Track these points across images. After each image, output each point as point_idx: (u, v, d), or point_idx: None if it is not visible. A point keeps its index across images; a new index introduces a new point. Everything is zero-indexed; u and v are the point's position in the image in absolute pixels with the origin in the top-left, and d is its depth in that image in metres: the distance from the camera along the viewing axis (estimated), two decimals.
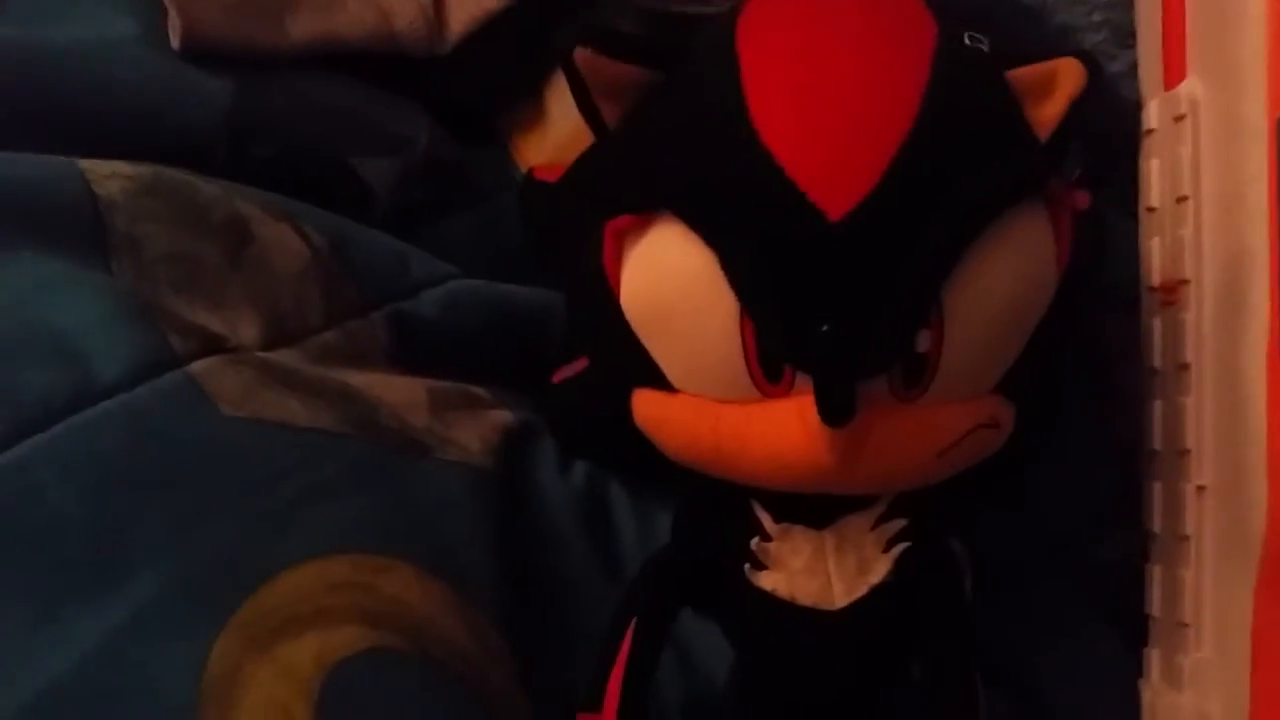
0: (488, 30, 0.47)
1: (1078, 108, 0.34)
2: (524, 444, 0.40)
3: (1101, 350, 0.44)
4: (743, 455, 0.33)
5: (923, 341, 0.31)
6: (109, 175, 0.36)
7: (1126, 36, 0.43)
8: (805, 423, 0.31)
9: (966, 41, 0.34)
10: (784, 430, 0.32)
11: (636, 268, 0.34)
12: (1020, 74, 0.34)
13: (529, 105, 0.49)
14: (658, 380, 0.34)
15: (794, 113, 0.31)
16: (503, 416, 0.40)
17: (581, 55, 0.34)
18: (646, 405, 0.35)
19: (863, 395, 0.31)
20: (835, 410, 0.30)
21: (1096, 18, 0.43)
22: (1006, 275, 0.32)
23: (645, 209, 0.33)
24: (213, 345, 0.35)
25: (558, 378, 0.42)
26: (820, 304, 0.30)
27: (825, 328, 0.30)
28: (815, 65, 0.32)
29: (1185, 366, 0.39)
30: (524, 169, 0.49)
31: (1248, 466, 0.37)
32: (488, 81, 0.48)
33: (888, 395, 0.32)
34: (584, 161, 0.38)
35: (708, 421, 0.34)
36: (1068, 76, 0.33)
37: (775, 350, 0.32)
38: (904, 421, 0.32)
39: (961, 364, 0.32)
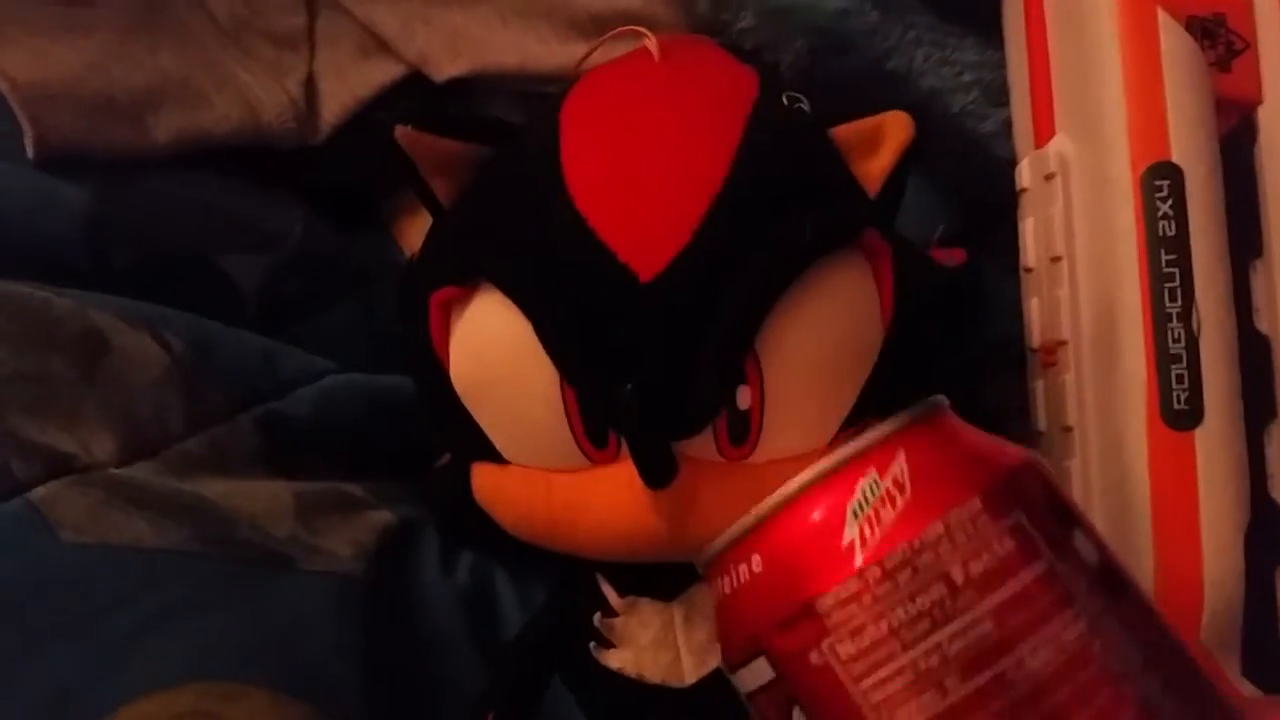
0: (361, 118, 0.47)
1: (907, 160, 0.33)
2: (402, 544, 0.39)
3: (991, 409, 0.43)
4: (576, 525, 0.33)
5: (743, 398, 0.31)
6: None
7: (998, 95, 0.43)
8: (632, 488, 0.31)
9: (785, 101, 0.34)
10: (613, 497, 0.32)
11: (461, 340, 0.34)
12: (844, 130, 0.34)
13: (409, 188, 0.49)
14: (491, 453, 0.34)
15: (606, 176, 0.32)
16: (380, 517, 0.39)
17: (402, 133, 0.34)
18: (482, 479, 0.35)
19: (689, 456, 0.31)
20: (654, 473, 0.30)
21: (967, 78, 0.43)
22: (823, 327, 0.31)
23: (466, 280, 0.33)
24: (60, 467, 0.34)
25: (439, 464, 0.42)
26: (633, 365, 0.30)
27: (629, 387, 0.29)
28: (629, 130, 0.33)
29: (1069, 429, 0.38)
30: (408, 253, 0.48)
31: (1135, 533, 0.36)
32: (364, 168, 0.47)
33: (716, 455, 0.31)
34: (425, 238, 0.38)
35: (540, 492, 0.33)
36: (894, 130, 0.33)
37: (593, 414, 0.31)
38: (734, 481, 0.32)
39: (787, 419, 0.32)
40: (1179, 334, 0.36)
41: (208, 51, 0.46)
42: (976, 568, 0.24)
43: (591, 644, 0.34)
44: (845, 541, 0.24)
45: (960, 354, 0.39)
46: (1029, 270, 0.41)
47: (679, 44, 0.37)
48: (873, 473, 0.25)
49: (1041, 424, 0.40)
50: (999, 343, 0.42)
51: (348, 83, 0.47)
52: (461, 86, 0.46)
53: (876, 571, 0.24)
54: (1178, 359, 0.36)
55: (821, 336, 0.31)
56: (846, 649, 0.24)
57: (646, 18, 0.44)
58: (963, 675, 0.23)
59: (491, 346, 0.32)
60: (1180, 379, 0.36)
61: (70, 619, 0.31)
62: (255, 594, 0.34)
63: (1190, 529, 0.35)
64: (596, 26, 0.44)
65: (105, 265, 0.40)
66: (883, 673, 0.23)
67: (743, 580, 0.26)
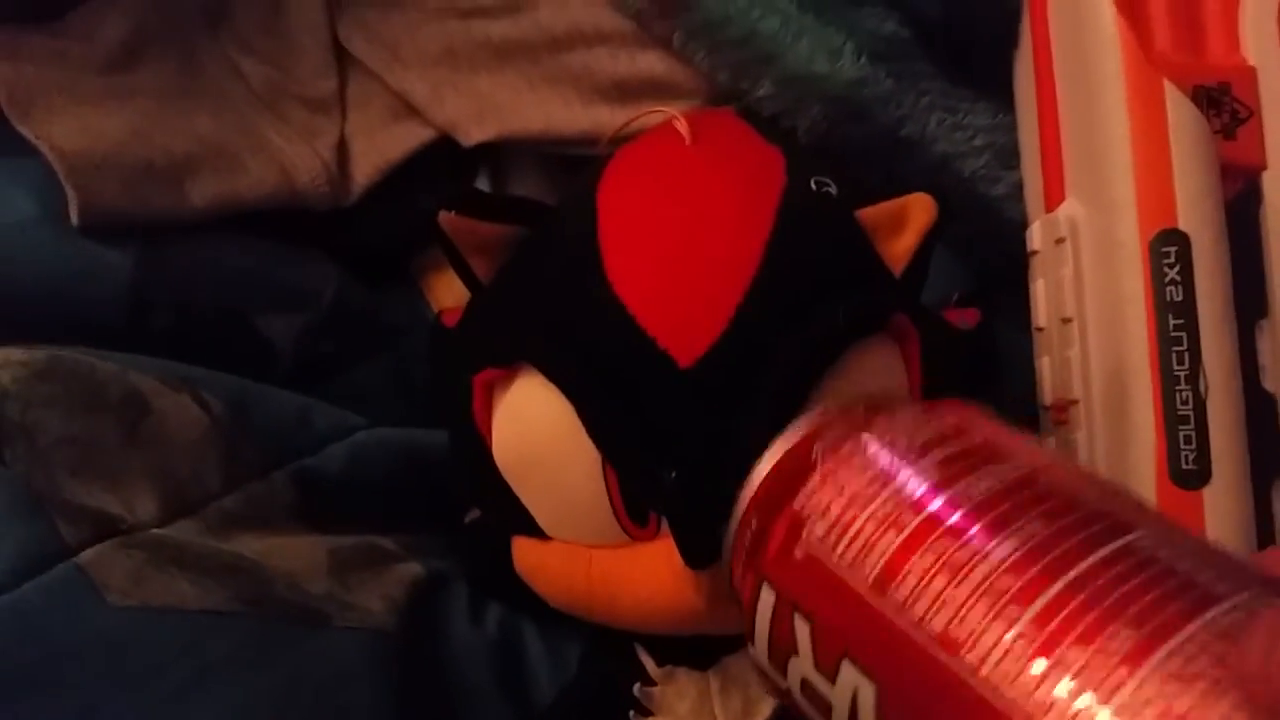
0: (391, 179, 0.48)
1: (931, 240, 0.35)
2: (432, 597, 0.40)
3: None
4: (616, 600, 0.34)
5: None
6: (1, 364, 0.37)
7: (1010, 158, 0.44)
8: (672, 566, 0.32)
9: (813, 187, 0.35)
10: (653, 574, 0.33)
11: (504, 419, 0.35)
12: (870, 212, 0.35)
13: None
14: (532, 528, 0.35)
15: (644, 264, 0.33)
16: (410, 570, 0.40)
17: (445, 219, 0.35)
18: (523, 553, 0.36)
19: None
20: (695, 554, 0.31)
21: (979, 142, 0.44)
22: None
23: (508, 362, 0.34)
24: (106, 529, 0.35)
25: (468, 519, 0.43)
26: (674, 448, 0.31)
27: (673, 474, 0.31)
28: (666, 218, 0.34)
29: None
30: (436, 309, 0.50)
31: None
32: (395, 228, 0.48)
33: None
34: (464, 314, 0.39)
35: (580, 567, 0.34)
36: (918, 211, 0.35)
37: (635, 495, 0.32)
38: None
39: None
40: (1187, 396, 0.37)
41: (242, 116, 0.48)
42: (919, 438, 0.26)
43: (630, 712, 0.35)
44: (811, 457, 0.27)
45: None
46: (1040, 330, 0.42)
47: (707, 123, 0.38)
48: (837, 424, 0.28)
49: None
50: (1012, 399, 0.43)
51: (378, 145, 0.48)
52: (488, 149, 0.48)
53: (833, 461, 0.26)
54: (1185, 420, 0.37)
55: None
56: (819, 529, 0.25)
57: (669, 84, 0.45)
58: (915, 510, 0.24)
59: (534, 427, 0.33)
60: (1188, 440, 0.37)
61: (118, 683, 0.32)
62: (293, 652, 0.35)
63: None
64: (620, 92, 0.45)
65: (145, 326, 0.42)
66: (850, 533, 0.25)
67: (746, 545, 0.28)
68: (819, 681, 0.25)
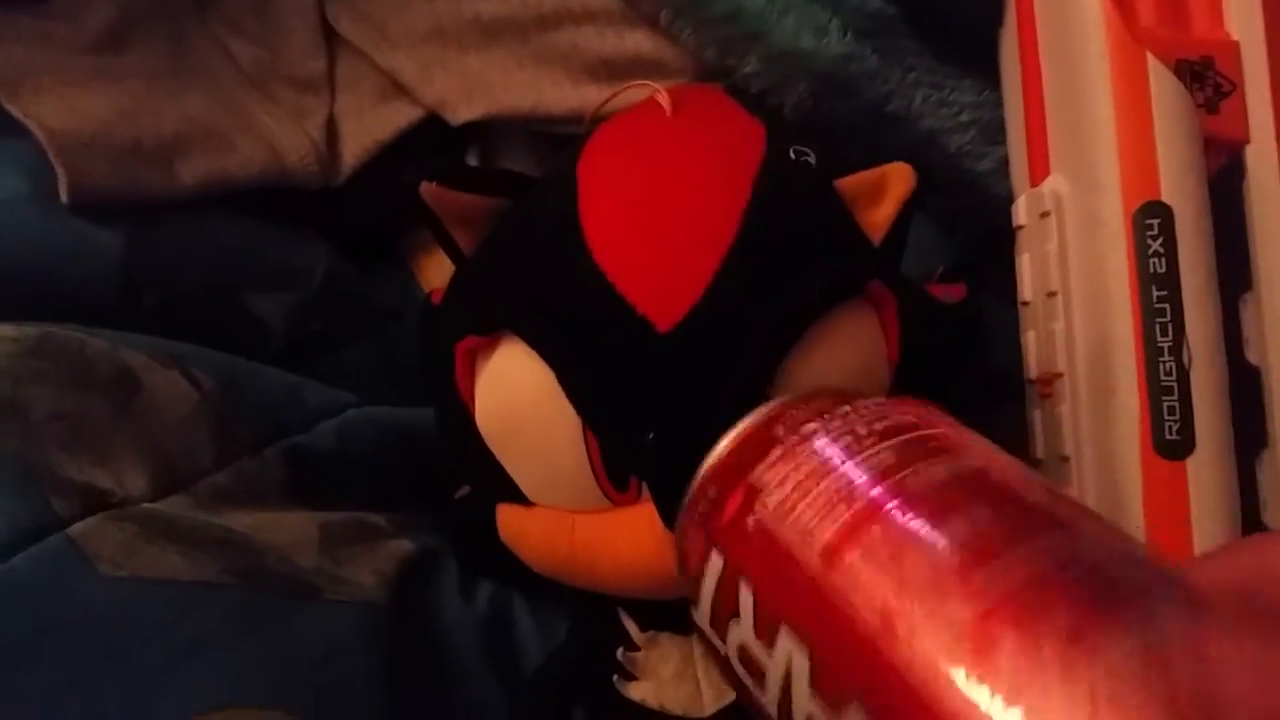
0: (381, 159, 0.48)
1: (909, 209, 0.35)
2: (423, 573, 0.40)
3: (990, 438, 0.44)
4: (598, 564, 0.34)
5: None
6: None
7: (996, 133, 0.44)
8: (653, 529, 0.32)
9: (792, 156, 0.35)
10: (635, 537, 0.33)
11: (486, 387, 0.35)
12: (849, 182, 0.35)
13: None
14: (516, 495, 0.35)
15: (624, 232, 0.33)
16: (401, 546, 0.41)
17: (427, 189, 0.36)
18: (507, 520, 0.36)
19: None
20: (675, 516, 0.31)
21: (964, 118, 0.44)
22: (833, 372, 0.33)
23: (490, 329, 0.34)
24: (97, 502, 0.35)
25: (458, 495, 0.43)
26: (652, 412, 0.31)
27: (651, 436, 0.31)
28: (645, 187, 0.34)
29: (1065, 459, 0.40)
30: (427, 289, 0.50)
31: None
32: (384, 208, 0.49)
33: None
34: (449, 284, 0.39)
35: (563, 532, 0.35)
36: (896, 181, 0.35)
37: (615, 459, 0.33)
38: None
39: None
40: (1170, 367, 0.37)
41: (232, 96, 0.48)
42: (879, 425, 0.26)
43: (614, 677, 0.36)
44: (772, 434, 0.28)
45: (962, 386, 0.40)
46: (1026, 304, 0.42)
47: (690, 96, 0.38)
48: (802, 407, 0.28)
49: (1040, 453, 0.41)
50: (998, 373, 0.43)
51: (366, 125, 0.48)
52: (476, 128, 0.48)
53: (795, 438, 0.27)
54: (1169, 391, 0.37)
55: (831, 381, 0.32)
56: (774, 499, 0.26)
57: (657, 62, 0.45)
58: (868, 488, 0.25)
59: (516, 394, 0.34)
60: (1172, 410, 0.37)
61: (110, 651, 0.32)
62: (283, 624, 0.35)
63: (1184, 555, 0.36)
64: (608, 70, 0.46)
65: (136, 305, 0.42)
66: (803, 505, 0.25)
67: (700, 511, 0.28)
68: (757, 648, 0.25)
